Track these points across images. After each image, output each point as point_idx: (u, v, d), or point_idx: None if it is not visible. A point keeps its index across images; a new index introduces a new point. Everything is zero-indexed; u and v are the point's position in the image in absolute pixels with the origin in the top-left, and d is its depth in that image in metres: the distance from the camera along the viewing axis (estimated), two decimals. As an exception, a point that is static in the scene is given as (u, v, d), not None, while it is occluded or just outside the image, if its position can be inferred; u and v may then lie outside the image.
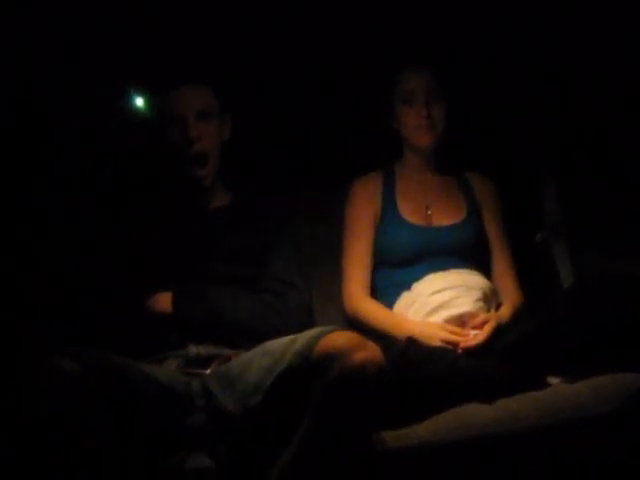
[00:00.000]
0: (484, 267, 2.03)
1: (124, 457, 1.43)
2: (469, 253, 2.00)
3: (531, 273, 2.11)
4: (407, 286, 1.95)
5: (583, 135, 2.18)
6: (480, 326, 1.82)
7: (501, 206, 2.14)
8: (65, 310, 1.87)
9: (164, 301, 1.77)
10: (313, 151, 2.28)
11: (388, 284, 1.99)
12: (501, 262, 2.06)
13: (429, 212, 2.05)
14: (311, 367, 1.43)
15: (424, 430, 1.55)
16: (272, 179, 2.20)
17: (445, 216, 2.05)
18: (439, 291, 1.89)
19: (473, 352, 1.76)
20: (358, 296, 1.97)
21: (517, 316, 1.92)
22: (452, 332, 1.80)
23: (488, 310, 1.91)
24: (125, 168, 2.16)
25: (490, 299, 1.93)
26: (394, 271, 2.00)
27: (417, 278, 1.94)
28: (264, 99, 2.22)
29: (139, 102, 2.04)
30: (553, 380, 1.71)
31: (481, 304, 1.88)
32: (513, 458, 1.57)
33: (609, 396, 1.60)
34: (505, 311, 1.92)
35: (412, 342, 1.72)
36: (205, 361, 1.69)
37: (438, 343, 1.77)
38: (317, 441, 1.42)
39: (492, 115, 2.27)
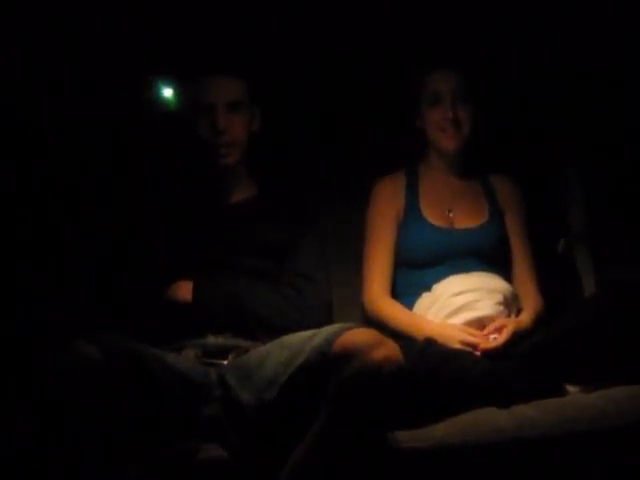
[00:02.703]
0: (505, 271, 2.01)
1: (139, 444, 1.43)
2: (490, 256, 1.99)
3: (553, 280, 2.10)
4: (427, 287, 1.94)
5: (612, 141, 2.16)
6: (498, 330, 1.81)
7: (525, 210, 2.12)
8: (88, 297, 1.88)
9: (185, 290, 1.78)
10: (339, 148, 2.27)
11: (408, 285, 1.99)
12: (522, 266, 2.04)
13: (451, 214, 2.04)
14: (329, 363, 1.43)
15: (439, 432, 1.55)
16: (299, 173, 2.19)
17: (467, 218, 2.04)
18: (460, 293, 1.88)
19: (491, 355, 1.75)
20: (379, 297, 1.96)
21: (537, 322, 1.91)
22: (471, 334, 1.79)
23: (509, 314, 1.89)
24: (152, 157, 2.16)
25: (511, 303, 1.92)
26: (414, 272, 1.99)
27: (437, 280, 1.93)
28: (294, 93, 2.21)
29: (167, 92, 2.04)
30: (571, 389, 1.70)
31: (501, 308, 1.87)
32: (528, 465, 1.56)
33: (628, 408, 1.58)
34: (525, 317, 1.91)
35: (431, 342, 1.71)
36: (223, 352, 1.70)
37: (457, 345, 1.77)
38: (331, 437, 1.42)
39: (521, 118, 2.25)
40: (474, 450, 1.54)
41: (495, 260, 1.99)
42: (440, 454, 1.53)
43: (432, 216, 2.04)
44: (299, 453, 1.43)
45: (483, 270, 1.95)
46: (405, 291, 1.99)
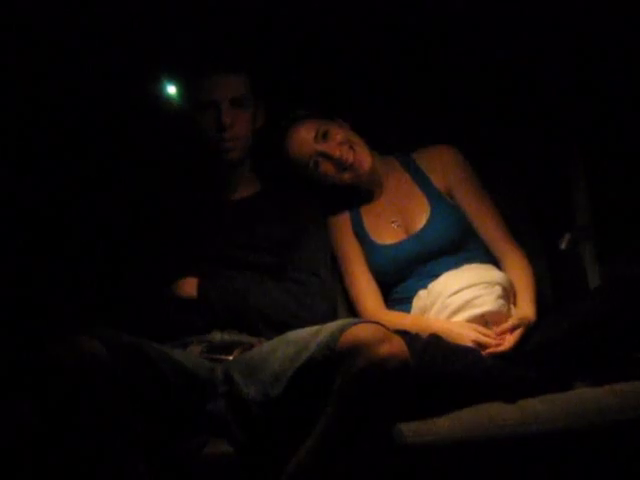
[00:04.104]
0: (481, 250, 1.96)
1: (145, 440, 1.43)
2: (457, 245, 1.93)
3: (558, 275, 2.09)
4: (411, 297, 1.91)
5: (616, 137, 2.15)
6: (505, 332, 1.78)
7: (465, 169, 2.02)
8: (92, 292, 1.88)
9: (189, 286, 1.78)
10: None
11: (395, 297, 1.97)
12: (490, 232, 1.97)
13: (395, 226, 2.00)
14: (335, 358, 1.42)
15: (444, 425, 1.55)
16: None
17: (412, 221, 1.98)
18: (459, 291, 1.84)
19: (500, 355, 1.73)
20: (376, 312, 1.93)
21: (536, 299, 1.86)
22: (484, 334, 1.75)
23: (509, 305, 1.87)
24: (156, 153, 2.16)
25: (509, 292, 1.88)
26: (395, 288, 1.97)
27: (421, 286, 1.90)
28: (295, 89, 2.21)
29: (170, 90, 2.04)
30: (577, 383, 1.69)
31: (502, 302, 1.85)
32: (533, 459, 1.56)
33: (633, 403, 1.57)
34: (527, 310, 1.86)
35: (436, 338, 1.70)
36: (228, 347, 1.70)
37: (469, 343, 1.74)
38: (337, 432, 1.42)
39: (526, 113, 2.23)
40: (479, 444, 1.53)
41: (464, 246, 1.94)
42: (445, 448, 1.53)
43: (379, 236, 1.99)
44: (305, 448, 1.43)
45: (461, 260, 1.91)
46: (396, 303, 1.96)
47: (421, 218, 1.97)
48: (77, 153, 2.12)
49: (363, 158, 1.96)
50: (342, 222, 2.04)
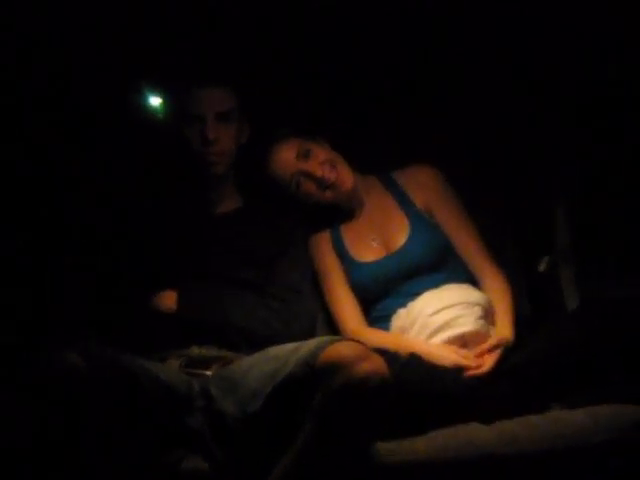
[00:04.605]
0: (460, 270, 1.97)
1: (122, 454, 1.42)
2: (435, 265, 1.94)
3: (536, 297, 2.10)
4: (390, 315, 1.91)
5: (597, 160, 2.17)
6: (484, 353, 1.79)
7: (445, 189, 2.03)
8: (72, 306, 1.87)
9: (169, 299, 1.77)
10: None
11: (372, 317, 1.97)
12: (469, 251, 1.98)
13: (374, 244, 2.00)
14: (314, 376, 1.42)
15: (421, 445, 1.54)
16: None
17: (392, 240, 1.99)
18: (439, 311, 1.84)
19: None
20: (357, 328, 1.93)
21: (514, 319, 1.87)
22: (464, 357, 1.75)
23: (488, 325, 1.87)
24: (137, 165, 2.15)
25: (489, 313, 1.89)
26: (374, 306, 1.97)
27: (400, 304, 1.90)
28: (279, 103, 2.22)
29: (154, 101, 2.04)
30: (554, 405, 1.70)
31: (482, 322, 1.86)
32: (509, 480, 1.56)
33: (609, 425, 1.58)
34: (505, 331, 1.88)
35: (416, 357, 1.71)
36: (207, 362, 1.70)
37: (449, 365, 1.73)
38: (315, 450, 1.41)
39: (506, 131, 2.24)
40: (456, 464, 1.53)
41: (443, 265, 1.95)
42: (422, 468, 1.52)
43: (359, 254, 2.00)
44: (283, 465, 1.42)
45: (441, 279, 1.91)
46: (375, 321, 1.96)
47: (401, 236, 1.98)
48: (62, 162, 2.11)
49: (345, 177, 1.97)
50: (322, 239, 2.05)
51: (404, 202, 2.04)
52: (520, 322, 1.91)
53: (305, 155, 1.96)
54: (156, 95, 2.03)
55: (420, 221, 2.00)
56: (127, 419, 1.45)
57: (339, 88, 2.23)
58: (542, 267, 2.14)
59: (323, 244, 2.04)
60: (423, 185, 2.04)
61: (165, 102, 1.98)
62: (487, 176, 2.21)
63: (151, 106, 2.05)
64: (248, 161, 1.98)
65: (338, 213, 2.06)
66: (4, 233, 1.99)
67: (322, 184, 1.96)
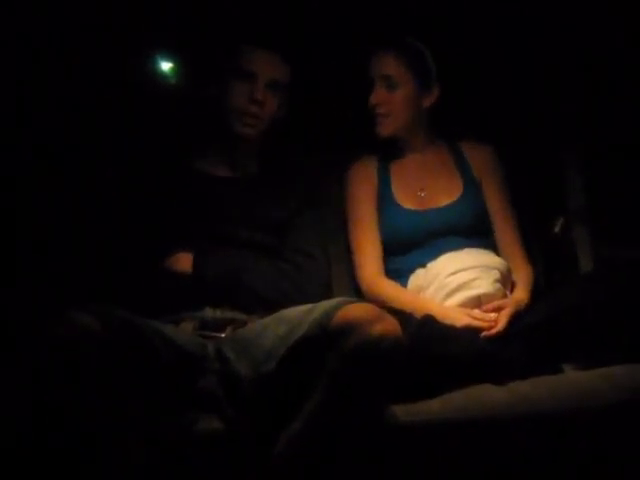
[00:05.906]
0: (489, 243, 1.99)
1: (137, 416, 1.43)
2: (470, 231, 1.96)
3: (551, 259, 2.09)
4: (410, 271, 1.93)
5: (610, 121, 2.15)
6: (496, 309, 1.80)
7: (502, 174, 2.08)
8: (86, 267, 1.87)
9: (185, 261, 1.77)
10: (340, 124, 2.25)
11: (394, 270, 1.97)
12: (507, 236, 2.01)
13: (422, 194, 2.02)
14: (328, 337, 1.43)
15: (435, 406, 1.56)
16: (299, 149, 2.19)
17: (440, 196, 2.01)
18: (456, 272, 1.86)
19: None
20: (376, 279, 1.95)
21: (532, 295, 1.89)
22: (477, 319, 1.77)
23: (505, 290, 1.88)
24: (154, 127, 2.15)
25: (507, 278, 1.90)
26: (398, 258, 1.98)
27: (420, 263, 1.92)
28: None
29: (165, 67, 2.04)
30: (567, 366, 1.70)
31: (499, 285, 1.86)
32: (523, 441, 1.57)
33: (622, 386, 1.58)
34: (522, 294, 1.89)
35: (430, 319, 1.71)
36: (221, 325, 1.70)
37: (463, 327, 1.75)
38: (328, 411, 1.42)
39: (517, 91, 2.23)
40: (470, 425, 1.54)
41: (476, 234, 1.97)
42: (436, 429, 1.54)
43: (404, 199, 2.02)
44: (296, 426, 1.43)
45: (468, 246, 1.92)
46: (394, 275, 1.97)
47: (450, 195, 2.01)
48: (75, 122, 2.10)
49: (398, 117, 2.00)
50: (367, 180, 2.06)
51: (464, 168, 2.07)
52: (535, 286, 1.94)
53: (390, 83, 1.99)
54: (167, 62, 2.02)
55: (473, 188, 2.04)
56: (141, 381, 1.46)
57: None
58: (557, 228, 2.13)
59: (366, 185, 2.05)
60: (484, 161, 2.08)
61: (175, 69, 1.97)
62: (498, 134, 2.19)
63: (164, 70, 2.04)
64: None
65: (392, 155, 2.08)
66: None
67: (379, 109, 1.99)
